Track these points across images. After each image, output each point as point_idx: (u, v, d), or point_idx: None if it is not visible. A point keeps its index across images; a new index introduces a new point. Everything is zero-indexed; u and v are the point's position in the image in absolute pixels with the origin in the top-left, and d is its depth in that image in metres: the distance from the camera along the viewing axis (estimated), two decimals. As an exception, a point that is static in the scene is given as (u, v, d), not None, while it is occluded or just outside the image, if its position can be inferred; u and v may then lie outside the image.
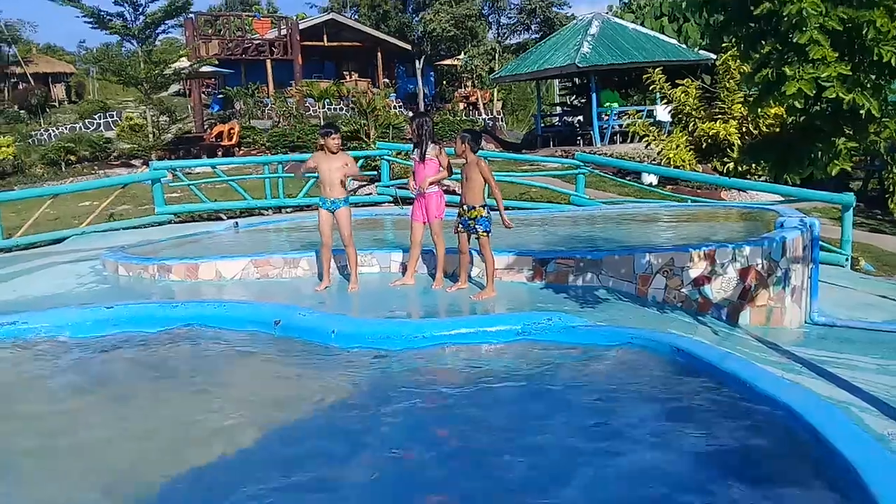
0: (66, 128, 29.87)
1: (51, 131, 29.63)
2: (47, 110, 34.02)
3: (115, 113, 30.95)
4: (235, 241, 11.12)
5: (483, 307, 6.60)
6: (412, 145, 7.47)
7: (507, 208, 11.12)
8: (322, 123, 25.91)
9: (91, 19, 24.61)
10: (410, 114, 32.58)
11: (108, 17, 24.77)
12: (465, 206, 6.93)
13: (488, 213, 6.86)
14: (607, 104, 26.04)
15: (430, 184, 7.26)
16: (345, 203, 7.46)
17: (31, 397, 5.18)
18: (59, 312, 6.87)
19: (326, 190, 7.42)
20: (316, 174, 7.59)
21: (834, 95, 4.59)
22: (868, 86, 4.66)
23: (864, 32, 4.44)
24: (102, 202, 15.04)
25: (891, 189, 15.61)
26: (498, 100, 39.58)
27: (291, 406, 4.75)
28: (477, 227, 6.84)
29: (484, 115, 36.24)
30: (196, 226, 14.00)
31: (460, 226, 6.99)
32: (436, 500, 3.48)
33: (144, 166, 22.53)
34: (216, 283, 8.23)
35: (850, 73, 4.59)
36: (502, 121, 38.46)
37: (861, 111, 4.69)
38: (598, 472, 3.61)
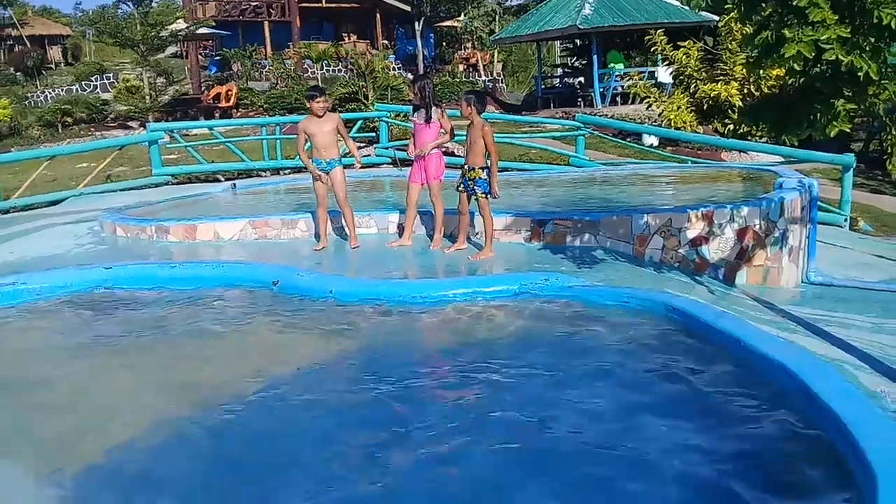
0: (62, 90, 29.69)
1: (47, 93, 29.48)
2: (43, 72, 33.80)
3: (111, 75, 30.76)
4: (233, 203, 11.12)
5: (481, 267, 6.63)
6: (412, 107, 7.42)
7: (506, 169, 11.12)
8: (322, 86, 25.79)
9: (86, -21, 24.32)
10: (410, 76, 32.34)
11: (103, -22, 24.48)
12: (466, 167, 6.94)
13: (488, 175, 6.85)
14: (612, 65, 25.79)
15: (433, 147, 7.29)
16: (338, 163, 7.49)
17: (35, 358, 5.23)
18: (58, 273, 6.91)
19: (320, 152, 7.45)
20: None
21: (833, 58, 4.58)
22: (867, 48, 4.65)
23: (863, -6, 4.41)
24: (100, 164, 15.01)
25: (889, 150, 15.57)
26: (498, 61, 39.24)
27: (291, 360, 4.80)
28: (476, 188, 6.84)
29: (484, 77, 35.96)
30: (193, 187, 13.98)
31: (461, 185, 6.99)
32: (427, 452, 3.53)
33: (142, 128, 22.42)
34: (214, 244, 8.25)
35: (850, 36, 4.57)
36: (502, 82, 38.16)
37: (860, 73, 4.68)
38: (591, 430, 3.66)
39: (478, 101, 6.88)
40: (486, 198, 6.85)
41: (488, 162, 6.89)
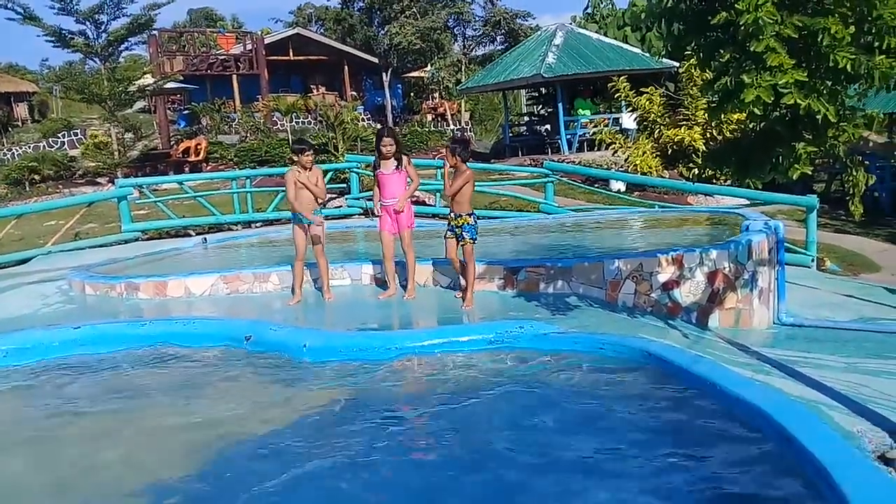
0: (29, 147, 29.47)
1: (14, 151, 29.23)
2: (9, 130, 33.54)
3: (79, 131, 30.62)
4: (204, 257, 11.03)
5: (455, 317, 6.62)
6: (377, 157, 7.41)
7: (479, 218, 11.19)
8: (291, 138, 25.86)
9: (53, 38, 24.37)
10: (379, 126, 32.62)
11: (70, 36, 24.52)
12: (452, 214, 7.02)
13: (475, 220, 6.98)
14: (580, 111, 26.20)
15: (407, 197, 7.37)
16: (319, 213, 7.57)
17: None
18: (25, 334, 6.77)
19: (305, 205, 7.41)
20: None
21: (792, 101, 4.67)
22: (824, 91, 4.76)
23: (819, 39, 4.53)
24: (68, 221, 14.85)
25: (851, 191, 15.91)
26: (466, 111, 39.75)
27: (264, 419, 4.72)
28: (464, 234, 6.92)
29: (452, 126, 36.36)
30: (164, 243, 13.85)
31: (448, 232, 7.06)
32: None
33: (110, 184, 22.27)
34: (185, 300, 8.15)
35: (807, 80, 4.68)
36: (470, 131, 38.61)
37: (818, 116, 4.78)
38: (568, 476, 3.63)
39: (464, 150, 7.01)
40: (473, 243, 6.95)
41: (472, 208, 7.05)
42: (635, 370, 5.00)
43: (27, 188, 24.82)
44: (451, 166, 6.99)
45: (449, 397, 4.83)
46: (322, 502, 3.59)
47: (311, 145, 7.69)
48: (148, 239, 14.84)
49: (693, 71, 18.01)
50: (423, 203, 16.66)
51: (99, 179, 25.23)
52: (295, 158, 7.44)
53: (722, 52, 5.12)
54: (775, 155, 5.42)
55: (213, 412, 4.99)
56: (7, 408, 5.39)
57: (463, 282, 7.23)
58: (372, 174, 7.47)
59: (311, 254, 7.59)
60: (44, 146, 29.50)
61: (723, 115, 5.71)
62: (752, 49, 4.58)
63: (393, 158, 7.28)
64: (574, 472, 3.68)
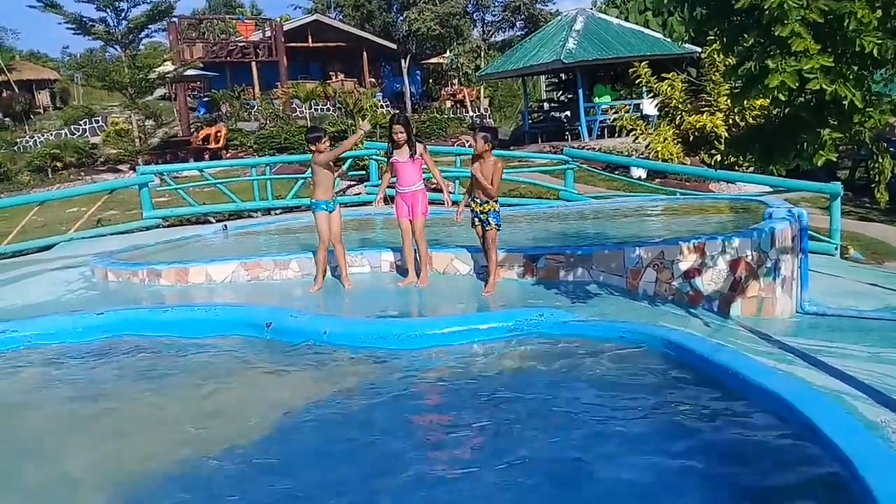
0: (51, 134, 29.69)
1: (36, 138, 29.46)
2: (32, 117, 33.81)
3: (100, 118, 30.80)
4: (225, 244, 11.09)
5: (474, 304, 6.62)
6: (390, 144, 7.38)
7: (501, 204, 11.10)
8: (309, 125, 25.88)
9: (74, 25, 24.47)
10: (395, 113, 32.54)
11: (90, 23, 24.62)
12: (477, 200, 7.02)
13: (499, 206, 7.01)
14: (599, 98, 26.02)
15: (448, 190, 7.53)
16: (336, 202, 7.61)
17: (23, 406, 5.16)
18: (49, 320, 6.85)
19: (327, 193, 7.49)
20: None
21: (817, 87, 4.60)
22: (851, 77, 4.68)
23: (845, 24, 4.45)
24: (90, 208, 14.96)
25: (877, 178, 15.64)
26: (485, 97, 39.58)
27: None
28: (489, 219, 6.94)
29: (471, 113, 36.23)
30: (185, 230, 13.94)
31: (475, 219, 7.07)
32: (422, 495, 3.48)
33: (131, 171, 22.41)
34: (207, 287, 8.20)
35: (833, 65, 4.61)
36: (489, 117, 38.47)
37: (844, 102, 4.71)
38: (592, 466, 3.62)
39: (494, 138, 7.11)
40: (498, 229, 7.00)
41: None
42: (656, 359, 4.97)
43: (49, 175, 25.04)
44: (479, 152, 6.98)
45: (468, 384, 4.84)
46: (340, 489, 3.60)
47: (325, 132, 7.70)
48: (169, 226, 14.94)
49: (715, 56, 17.80)
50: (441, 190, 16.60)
51: (120, 166, 25.40)
52: (312, 148, 7.45)
53: (746, 36, 5.05)
54: (800, 141, 5.36)
55: (230, 398, 5.03)
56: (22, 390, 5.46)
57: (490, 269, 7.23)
58: (386, 161, 7.46)
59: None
60: (65, 133, 29.71)
61: (746, 101, 5.65)
62: (776, 34, 4.52)
63: (406, 146, 7.27)
64: (594, 461, 3.67)
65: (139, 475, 3.88)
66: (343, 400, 4.74)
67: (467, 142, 27.54)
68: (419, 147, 7.35)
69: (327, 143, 7.49)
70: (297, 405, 4.73)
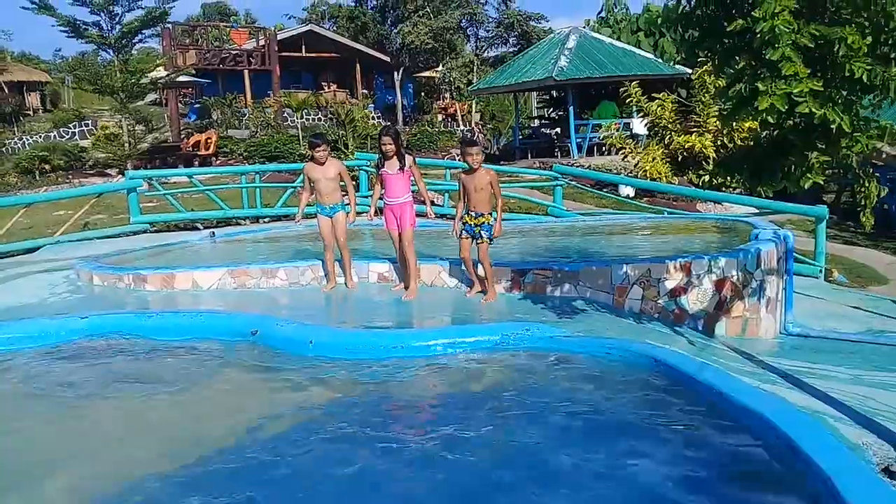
0: (40, 136, 29.56)
1: (25, 140, 29.32)
2: (21, 119, 33.64)
3: (90, 122, 30.69)
4: (212, 251, 11.05)
5: (460, 317, 6.62)
6: (380, 157, 7.45)
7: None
8: (301, 134, 25.90)
9: (67, 28, 24.41)
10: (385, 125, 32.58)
11: (83, 27, 24.58)
12: (472, 213, 7.03)
13: (494, 220, 7.03)
14: (605, 115, 25.97)
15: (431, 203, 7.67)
16: (342, 208, 7.78)
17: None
18: (31, 323, 6.80)
19: (322, 197, 7.68)
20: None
21: (806, 110, 4.66)
22: (839, 101, 4.75)
23: (835, 49, 4.52)
24: (77, 211, 14.89)
25: (863, 202, 15.79)
26: (476, 111, 39.75)
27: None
28: (482, 232, 6.97)
29: (462, 127, 36.35)
30: (172, 235, 13.89)
31: (464, 231, 7.08)
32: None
33: (120, 175, 22.33)
34: (192, 293, 8.17)
35: (822, 89, 4.67)
36: (484, 130, 38.59)
37: (832, 126, 4.77)
38: (575, 482, 3.62)
39: (484, 151, 7.19)
40: (490, 242, 7.03)
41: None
42: (641, 375, 4.98)
43: (37, 177, 24.91)
44: (473, 165, 6.92)
45: (453, 397, 4.83)
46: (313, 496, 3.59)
47: (325, 139, 7.86)
48: (156, 231, 14.88)
49: (706, 77, 17.99)
50: (432, 203, 16.63)
51: (109, 171, 25.32)
52: (310, 152, 7.68)
53: (737, 59, 5.11)
54: (787, 164, 5.41)
55: (213, 405, 5.01)
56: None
57: (472, 279, 7.34)
58: (376, 172, 7.53)
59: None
60: (55, 136, 29.59)
61: (735, 123, 5.71)
62: (767, 57, 4.58)
63: (395, 158, 7.30)
64: (576, 475, 3.67)
65: (116, 479, 3.85)
66: (324, 409, 4.72)
67: (457, 156, 27.64)
68: (408, 159, 7.39)
69: (323, 152, 7.63)
70: (278, 412, 4.71)
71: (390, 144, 7.29)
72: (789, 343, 7.03)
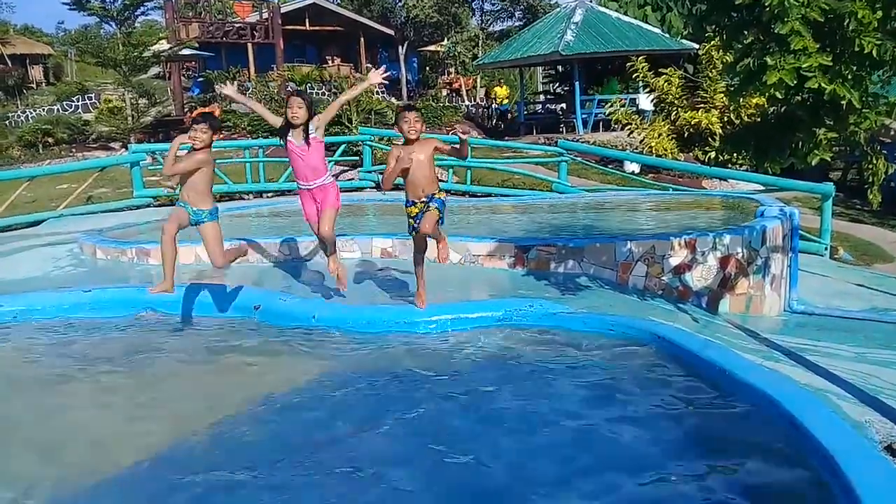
0: (43, 110, 29.48)
1: (28, 113, 29.25)
2: (24, 92, 33.56)
3: (93, 95, 30.59)
4: (215, 226, 11.02)
5: (463, 293, 6.61)
6: (283, 127, 6.06)
7: (489, 195, 11.06)
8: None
9: (69, 1, 24.26)
10: (394, 100, 32.42)
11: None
12: (416, 202, 5.50)
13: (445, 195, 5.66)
14: (612, 93, 25.81)
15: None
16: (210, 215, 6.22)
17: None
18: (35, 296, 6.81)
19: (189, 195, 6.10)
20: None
21: (815, 86, 4.61)
22: (849, 77, 4.69)
23: (845, 23, 4.46)
24: (80, 185, 14.87)
25: (870, 179, 15.70)
26: (481, 86, 39.51)
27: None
28: (431, 204, 5.46)
29: (467, 102, 36.15)
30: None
31: (414, 231, 5.63)
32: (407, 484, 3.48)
33: (123, 149, 22.28)
34: (195, 267, 8.16)
35: (832, 64, 4.61)
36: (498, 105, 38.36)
37: (842, 102, 4.72)
38: (575, 459, 3.62)
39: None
40: (441, 220, 5.54)
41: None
42: (644, 352, 4.97)
43: (41, 151, 24.86)
44: (411, 137, 5.46)
45: (455, 372, 4.83)
46: (322, 470, 3.60)
47: (207, 118, 5.98)
48: (160, 205, 14.86)
49: (713, 53, 17.84)
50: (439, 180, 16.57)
51: (112, 144, 25.26)
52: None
53: (745, 33, 5.05)
54: (795, 140, 5.37)
55: (217, 380, 5.02)
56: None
57: (419, 284, 5.94)
58: (283, 145, 6.12)
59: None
60: (58, 109, 29.51)
61: (742, 99, 5.66)
62: (776, 31, 4.52)
63: (301, 128, 5.94)
64: (577, 451, 3.67)
65: (126, 452, 3.86)
66: (325, 383, 4.73)
67: (461, 130, 27.52)
68: (313, 123, 5.96)
69: (206, 133, 5.82)
70: (281, 387, 4.72)
71: (299, 108, 5.89)
72: (793, 320, 7.02)
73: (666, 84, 19.11)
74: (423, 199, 5.46)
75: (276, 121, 6.28)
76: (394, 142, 5.79)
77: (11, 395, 4.81)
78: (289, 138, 6.00)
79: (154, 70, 34.67)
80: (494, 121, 30.15)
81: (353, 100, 20.96)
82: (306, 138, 5.93)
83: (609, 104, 21.69)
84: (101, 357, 5.48)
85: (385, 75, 6.34)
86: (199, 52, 32.12)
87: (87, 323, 6.36)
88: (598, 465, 3.55)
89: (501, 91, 32.01)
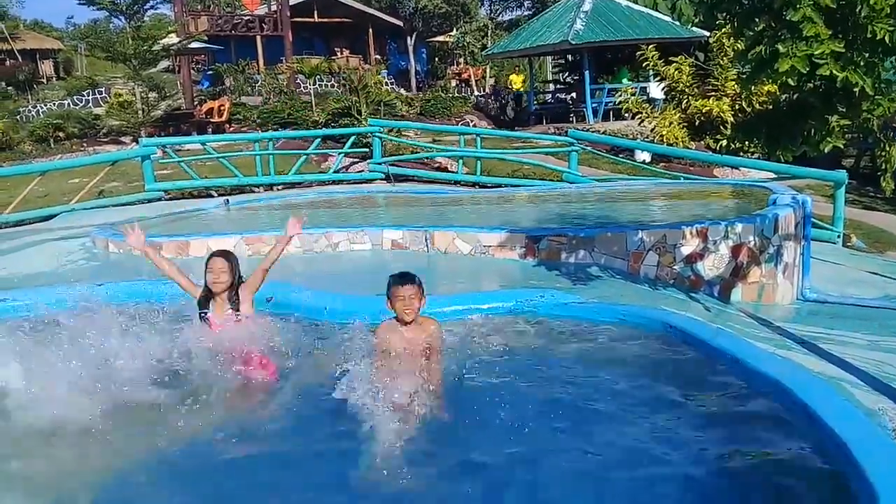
0: (54, 104, 29.57)
1: (39, 108, 29.35)
2: (35, 87, 33.67)
3: (103, 89, 30.66)
4: (226, 219, 11.07)
5: (475, 284, 6.61)
6: (204, 293, 4.82)
7: (500, 185, 11.08)
8: (314, 101, 25.75)
9: (79, -6, 24.32)
10: (403, 91, 32.36)
11: (95, -7, 24.48)
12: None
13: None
14: (625, 81, 25.69)
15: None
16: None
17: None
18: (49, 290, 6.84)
19: None
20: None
21: (827, 73, 4.57)
22: (861, 64, 4.65)
23: (857, 10, 4.42)
24: (92, 179, 14.93)
25: (883, 167, 15.64)
26: (490, 76, 39.39)
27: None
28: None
29: (476, 92, 36.05)
30: (187, 203, 13.93)
31: None
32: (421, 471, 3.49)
33: (134, 143, 22.34)
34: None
35: (844, 51, 4.57)
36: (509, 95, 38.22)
37: (854, 89, 4.68)
38: (588, 448, 3.63)
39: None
40: None
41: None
42: (656, 342, 4.97)
43: (52, 145, 24.96)
44: (411, 315, 4.45)
45: (466, 363, 4.83)
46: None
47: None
48: (170, 199, 14.92)
49: (724, 41, 17.72)
50: (446, 169, 16.60)
51: (123, 138, 25.34)
52: None
53: (757, 20, 5.01)
54: (807, 127, 5.33)
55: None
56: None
57: None
58: (200, 317, 4.82)
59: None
60: (68, 104, 29.60)
61: (754, 87, 5.63)
62: (788, 18, 4.49)
63: (227, 299, 4.73)
64: (589, 441, 3.68)
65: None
66: (333, 373, 4.74)
67: (471, 121, 27.47)
68: (242, 294, 4.79)
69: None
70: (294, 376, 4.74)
71: (224, 272, 4.74)
72: (806, 309, 6.99)
73: (676, 72, 19.01)
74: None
75: (194, 290, 4.91)
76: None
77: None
78: (208, 313, 4.72)
79: (164, 64, 34.68)
80: (512, 106, 30.04)
81: (362, 91, 21.00)
82: (235, 307, 4.69)
83: (619, 93, 21.59)
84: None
85: (300, 232, 5.44)
86: (208, 46, 32.14)
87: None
88: (605, 452, 3.55)
89: (517, 79, 31.90)
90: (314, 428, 4.07)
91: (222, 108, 26.43)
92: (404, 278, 4.41)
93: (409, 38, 37.18)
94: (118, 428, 3.95)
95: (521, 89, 31.11)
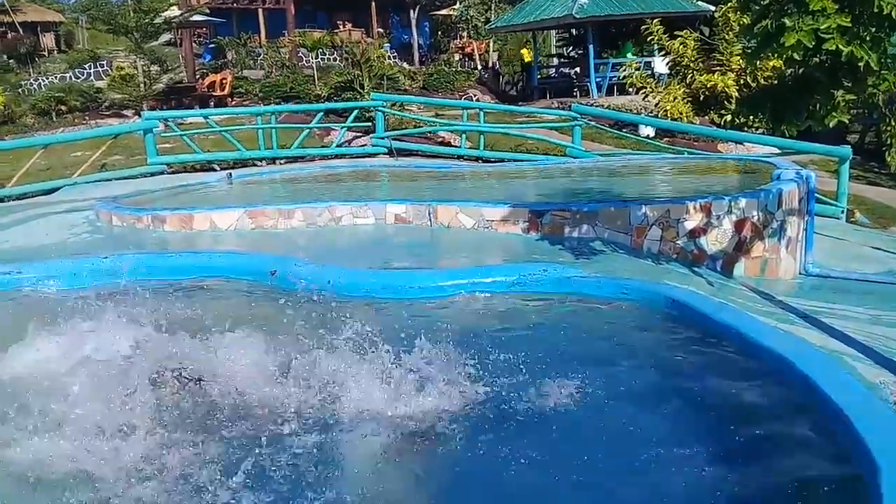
0: (56, 77, 29.45)
1: (41, 81, 29.24)
2: (36, 60, 33.52)
3: (105, 62, 30.53)
4: (229, 192, 11.08)
5: (479, 258, 6.63)
6: None
7: (502, 160, 11.07)
8: (317, 75, 25.63)
9: (79, -34, 24.12)
10: (406, 65, 32.18)
11: (96, -36, 24.27)
12: None
13: None
14: (629, 56, 25.51)
15: None
16: None
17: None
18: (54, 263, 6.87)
19: None
20: None
21: (833, 47, 4.55)
22: (867, 38, 4.63)
23: (864, -17, 4.39)
24: (94, 152, 14.92)
25: (888, 142, 15.57)
26: (494, 51, 39.11)
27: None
28: None
29: (479, 66, 35.83)
30: (189, 176, 13.92)
31: None
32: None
33: (136, 116, 22.29)
34: (211, 234, 8.22)
35: (850, 26, 4.55)
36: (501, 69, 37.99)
37: (860, 63, 4.66)
38: (589, 423, 3.66)
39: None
40: None
41: None
42: (659, 316, 4.99)
43: (54, 118, 24.90)
44: None
45: (468, 337, 4.85)
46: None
47: None
48: (173, 172, 14.91)
49: (730, 15, 17.57)
50: (449, 144, 16.55)
51: (125, 112, 25.26)
52: None
53: (763, -7, 4.97)
54: (812, 102, 5.32)
55: (235, 345, 5.06)
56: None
57: None
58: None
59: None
60: (70, 77, 29.48)
61: (759, 62, 5.60)
62: (794, -9, 4.45)
63: None
64: (590, 416, 3.71)
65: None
66: (339, 346, 4.77)
67: (474, 95, 27.33)
68: None
69: None
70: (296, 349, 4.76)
71: None
72: (809, 283, 7.00)
73: (681, 47, 18.87)
74: None
75: None
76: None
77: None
78: None
79: (165, 37, 34.48)
80: (525, 80, 29.95)
81: (364, 65, 20.84)
82: None
83: (623, 68, 21.46)
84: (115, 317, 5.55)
85: None
86: (210, 18, 31.92)
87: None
88: (607, 429, 3.58)
89: (528, 53, 31.69)
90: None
91: (224, 81, 26.31)
92: None
93: (412, 12, 36.88)
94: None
95: (530, 61, 30.97)
